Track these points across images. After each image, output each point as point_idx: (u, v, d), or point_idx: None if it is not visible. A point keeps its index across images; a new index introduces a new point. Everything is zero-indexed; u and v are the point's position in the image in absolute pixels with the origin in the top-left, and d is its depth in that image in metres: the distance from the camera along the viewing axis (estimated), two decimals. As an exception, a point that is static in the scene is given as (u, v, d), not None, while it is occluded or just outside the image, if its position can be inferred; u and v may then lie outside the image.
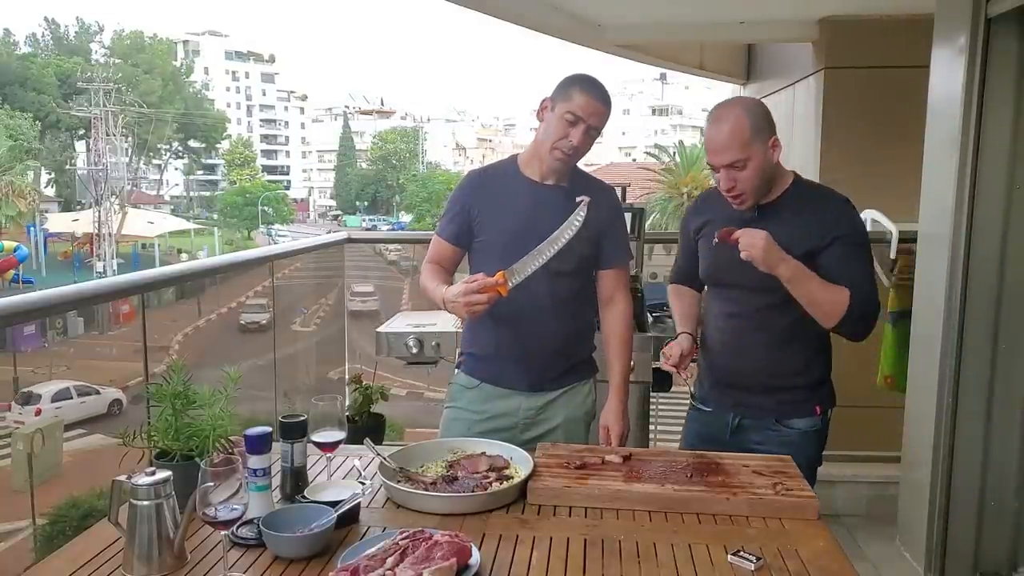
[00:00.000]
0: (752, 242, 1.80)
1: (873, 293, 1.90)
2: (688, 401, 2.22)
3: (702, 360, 2.12)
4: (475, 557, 1.33)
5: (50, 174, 44.16)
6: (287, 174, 68.78)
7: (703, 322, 2.15)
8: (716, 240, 1.89)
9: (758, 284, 1.91)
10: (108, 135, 35.62)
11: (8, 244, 27.26)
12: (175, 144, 51.47)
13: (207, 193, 59.19)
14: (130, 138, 41.78)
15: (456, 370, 2.21)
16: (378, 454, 1.78)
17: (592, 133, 1.96)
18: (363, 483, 1.66)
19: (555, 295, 2.04)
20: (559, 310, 2.05)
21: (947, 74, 2.92)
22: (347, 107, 72.29)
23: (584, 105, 1.93)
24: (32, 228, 33.00)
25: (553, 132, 1.96)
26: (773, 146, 1.89)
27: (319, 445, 1.70)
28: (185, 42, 63.78)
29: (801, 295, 1.86)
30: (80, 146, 45.09)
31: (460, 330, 2.36)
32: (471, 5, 4.27)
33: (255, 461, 1.52)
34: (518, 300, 2.03)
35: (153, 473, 1.38)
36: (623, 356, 2.10)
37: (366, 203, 59.42)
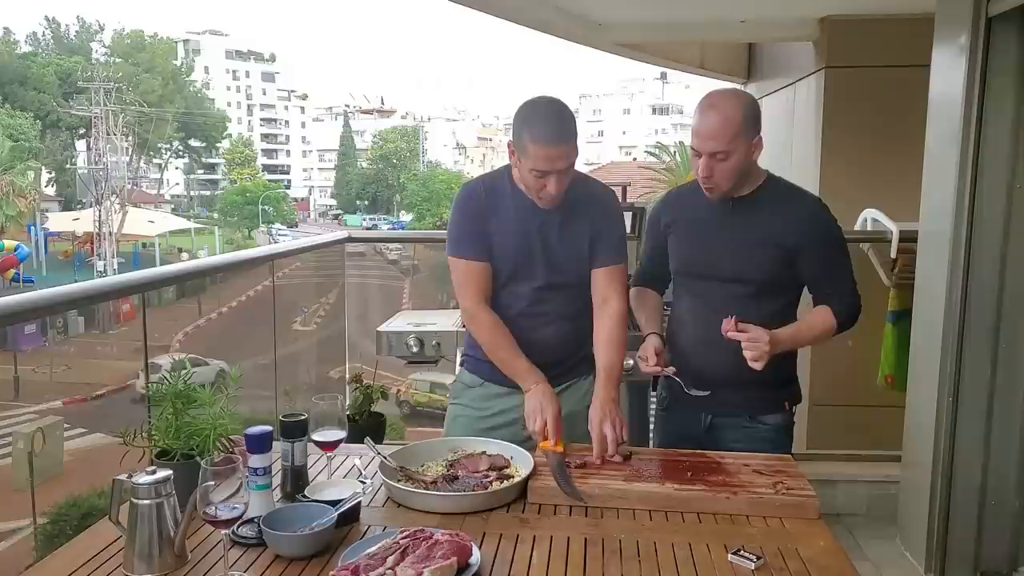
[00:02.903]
0: (758, 347, 1.84)
1: (855, 294, 2.00)
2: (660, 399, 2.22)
3: (672, 359, 2.11)
4: (475, 556, 1.34)
5: (50, 173, 44.15)
6: (287, 173, 68.76)
7: (672, 320, 2.16)
8: (724, 331, 1.88)
9: (731, 275, 1.96)
10: (108, 134, 35.55)
11: (9, 243, 27.23)
12: (175, 143, 51.46)
13: (207, 192, 59.18)
14: (130, 137, 41.73)
15: (460, 367, 2.22)
16: (379, 453, 1.78)
17: (566, 172, 1.89)
18: (364, 482, 1.66)
19: (560, 307, 2.04)
20: (563, 321, 2.06)
21: (948, 73, 2.92)
22: (347, 106, 72.27)
23: (543, 158, 1.85)
24: (32, 227, 32.98)
25: (530, 185, 1.93)
26: (756, 145, 1.92)
27: (320, 444, 1.70)
28: (185, 41, 63.76)
29: (800, 346, 2.02)
30: (80, 145, 45.05)
31: (461, 329, 2.36)
32: (473, 5, 4.27)
33: (256, 460, 1.52)
34: (522, 311, 2.02)
35: (154, 472, 1.38)
36: (613, 351, 2.03)
37: (366, 202, 59.42)
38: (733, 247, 1.96)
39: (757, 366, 1.85)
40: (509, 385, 2.07)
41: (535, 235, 2.00)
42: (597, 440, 1.86)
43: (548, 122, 1.88)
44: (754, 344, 1.84)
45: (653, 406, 2.33)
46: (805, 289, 2.06)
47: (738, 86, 6.87)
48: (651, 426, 2.36)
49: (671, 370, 2.01)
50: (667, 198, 2.23)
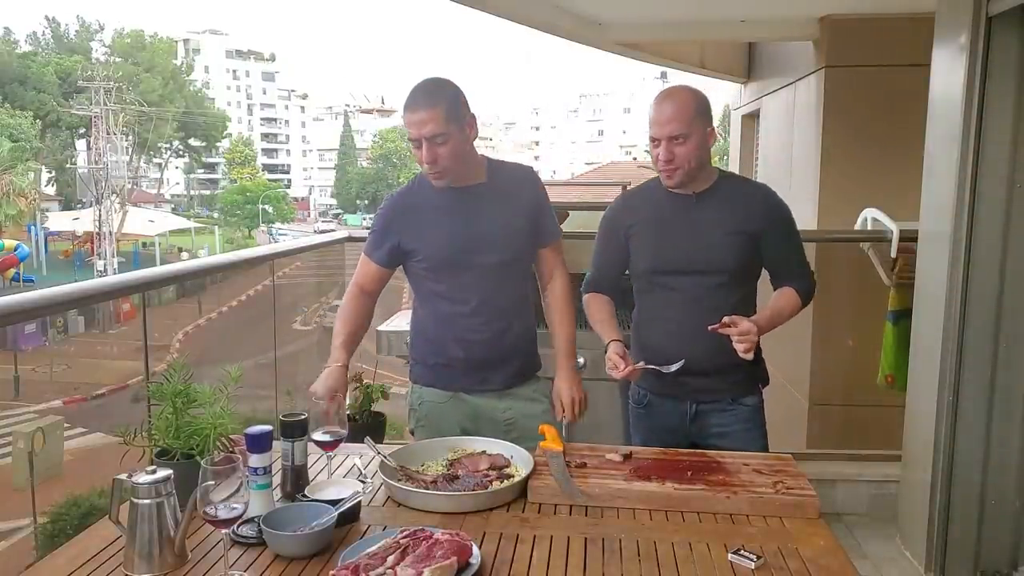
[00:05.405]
0: (748, 338, 1.90)
1: (808, 270, 2.14)
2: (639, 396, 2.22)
3: (644, 357, 2.10)
4: (476, 556, 1.34)
5: (50, 173, 44.11)
6: (287, 173, 68.82)
7: (641, 320, 2.18)
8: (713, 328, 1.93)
9: (704, 267, 2.03)
10: (108, 134, 35.53)
11: (9, 243, 27.22)
12: (175, 143, 51.37)
13: (207, 192, 59.20)
14: (130, 137, 41.70)
15: (416, 385, 2.15)
16: (379, 452, 1.78)
17: (436, 140, 1.90)
18: (364, 482, 1.66)
19: (510, 289, 2.06)
20: (516, 305, 2.09)
21: (948, 73, 2.92)
22: (348, 106, 72.30)
23: (410, 124, 1.91)
24: (33, 227, 32.98)
25: (418, 161, 1.96)
26: (710, 135, 2.02)
27: (320, 444, 1.70)
28: (186, 41, 63.75)
29: (774, 327, 2.07)
30: (81, 145, 44.97)
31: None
32: (473, 4, 4.27)
33: (256, 460, 1.52)
34: (480, 305, 2.03)
35: (154, 472, 1.38)
36: (567, 324, 2.13)
37: (367, 202, 59.45)
38: (702, 239, 2.04)
39: (748, 356, 1.91)
40: (481, 391, 2.08)
41: (465, 219, 2.01)
42: (568, 405, 2.06)
43: (414, 93, 1.95)
44: (745, 336, 1.89)
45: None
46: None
47: (738, 86, 6.89)
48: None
49: (641, 364, 2.03)
50: (625, 200, 2.26)
